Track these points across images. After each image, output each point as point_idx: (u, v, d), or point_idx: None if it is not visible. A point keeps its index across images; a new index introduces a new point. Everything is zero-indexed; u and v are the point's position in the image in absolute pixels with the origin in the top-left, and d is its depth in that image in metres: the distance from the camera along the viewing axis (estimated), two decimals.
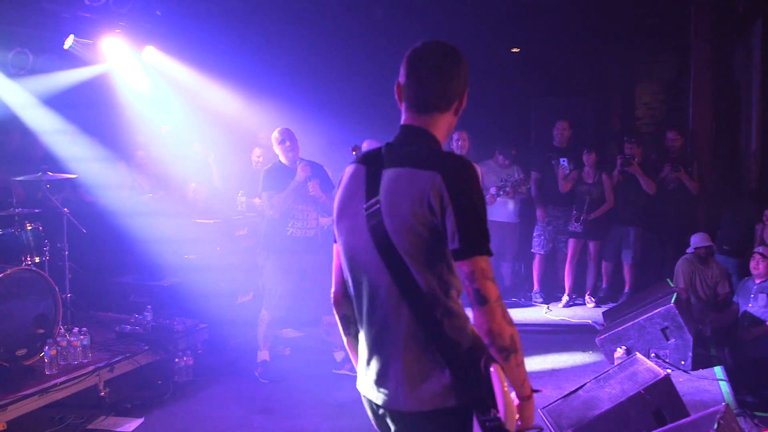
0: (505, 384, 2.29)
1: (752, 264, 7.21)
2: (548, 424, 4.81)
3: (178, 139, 9.33)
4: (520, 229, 9.45)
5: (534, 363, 6.84)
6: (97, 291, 7.60)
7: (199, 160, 8.98)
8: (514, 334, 2.26)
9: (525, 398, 2.37)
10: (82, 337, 5.92)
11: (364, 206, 2.40)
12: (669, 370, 5.83)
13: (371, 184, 2.41)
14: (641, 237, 9.02)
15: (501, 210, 9.16)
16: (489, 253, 2.26)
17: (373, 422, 2.61)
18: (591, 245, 9.05)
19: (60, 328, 6.01)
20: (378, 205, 2.35)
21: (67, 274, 6.74)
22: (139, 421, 5.56)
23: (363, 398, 2.61)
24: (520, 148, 9.57)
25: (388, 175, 2.38)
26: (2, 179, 7.16)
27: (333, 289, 2.70)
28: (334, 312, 2.73)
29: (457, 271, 2.32)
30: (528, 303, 9.40)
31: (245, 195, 8.18)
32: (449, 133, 2.54)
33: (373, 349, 2.47)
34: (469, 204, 2.26)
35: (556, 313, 8.88)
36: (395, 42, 10.37)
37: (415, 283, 2.31)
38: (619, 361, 6.10)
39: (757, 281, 7.14)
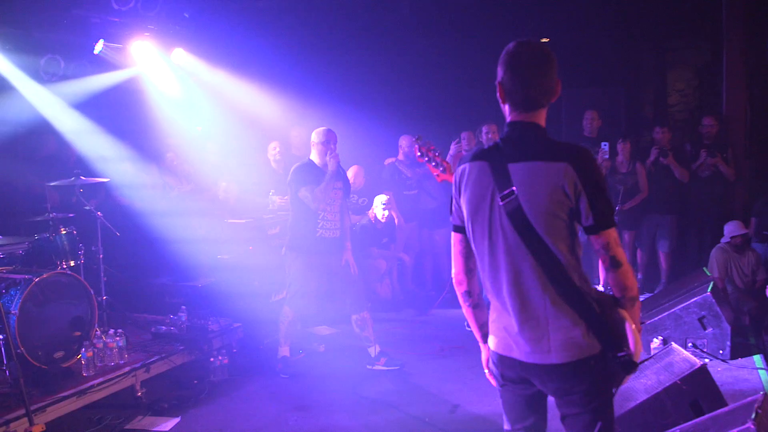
0: (633, 325, 2.77)
1: None
2: None
3: (207, 140, 9.39)
4: None
5: None
6: (132, 293, 7.68)
7: (215, 159, 9.03)
8: (636, 285, 2.81)
9: (638, 331, 2.81)
10: (118, 338, 5.99)
11: (500, 197, 2.77)
12: (706, 360, 5.76)
13: (500, 178, 2.77)
14: (677, 225, 8.92)
15: None
16: (615, 225, 2.74)
17: (504, 383, 3.01)
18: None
19: (96, 330, 6.08)
20: (514, 195, 2.73)
21: (102, 277, 6.83)
22: (176, 420, 5.61)
23: (499, 359, 2.97)
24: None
25: (519, 168, 2.75)
26: (36, 185, 7.25)
27: (454, 271, 3.11)
28: (457, 289, 3.14)
29: (591, 242, 2.76)
30: None
31: (276, 194, 8.21)
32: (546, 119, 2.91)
33: (520, 317, 2.82)
34: (598, 186, 2.70)
35: None
36: (423, 36, 10.44)
37: (555, 258, 2.73)
38: (656, 351, 6.03)
39: None
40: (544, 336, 2.78)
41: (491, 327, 3.02)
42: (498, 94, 2.89)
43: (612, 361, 2.77)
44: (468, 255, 3.04)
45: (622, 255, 2.74)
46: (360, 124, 9.21)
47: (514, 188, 2.73)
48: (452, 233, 3.07)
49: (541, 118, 2.85)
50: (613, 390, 2.88)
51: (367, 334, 6.60)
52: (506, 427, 3.13)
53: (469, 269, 3.07)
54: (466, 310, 3.15)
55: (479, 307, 3.11)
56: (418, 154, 4.43)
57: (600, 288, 8.88)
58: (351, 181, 8.64)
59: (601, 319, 2.77)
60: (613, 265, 2.73)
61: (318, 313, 6.74)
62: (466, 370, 6.55)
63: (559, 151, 2.74)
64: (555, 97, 2.86)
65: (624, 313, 2.79)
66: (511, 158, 2.77)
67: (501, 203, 2.76)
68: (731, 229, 7.65)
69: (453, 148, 8.72)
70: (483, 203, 2.84)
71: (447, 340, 7.46)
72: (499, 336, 2.95)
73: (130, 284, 7.76)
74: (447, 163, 4.40)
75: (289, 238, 6.58)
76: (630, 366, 2.76)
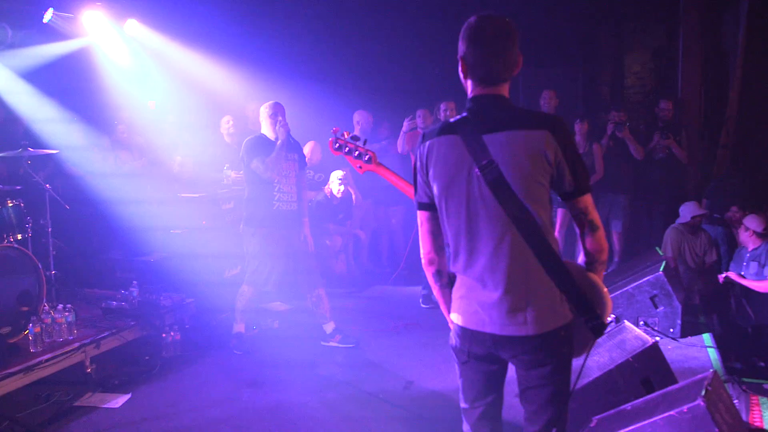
0: (605, 289, 2.88)
1: (743, 237, 7.24)
2: None
3: (161, 113, 9.22)
4: None
5: None
6: (82, 267, 7.53)
7: (171, 132, 8.88)
8: (607, 248, 2.92)
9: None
10: (66, 313, 5.85)
11: (477, 168, 2.75)
12: (658, 338, 5.83)
13: (476, 149, 2.76)
14: (630, 205, 9.00)
15: None
16: (591, 191, 2.83)
17: (468, 359, 3.01)
18: None
19: (44, 306, 5.94)
20: (493, 165, 2.72)
21: (51, 251, 6.66)
22: (127, 396, 5.52)
23: (467, 335, 2.94)
24: None
25: (496, 138, 2.74)
26: None
27: (424, 251, 3.06)
28: (427, 270, 3.09)
29: (570, 207, 2.84)
30: None
31: (231, 169, 8.11)
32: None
33: (499, 288, 2.80)
34: (576, 153, 2.79)
35: None
36: (381, 11, 10.35)
37: (536, 224, 2.74)
38: (608, 329, 6.08)
39: (750, 249, 7.15)
40: (522, 307, 2.78)
41: (457, 303, 2.98)
42: (460, 69, 2.87)
43: (582, 326, 2.84)
44: (437, 233, 3.01)
45: (599, 218, 2.85)
46: (317, 98, 9.14)
47: (492, 158, 2.73)
48: (418, 212, 3.03)
49: (505, 90, 2.85)
50: (585, 356, 2.92)
51: (322, 311, 6.56)
52: (463, 405, 3.13)
53: (439, 247, 3.04)
54: (437, 291, 3.13)
55: (450, 286, 3.06)
56: (336, 146, 4.13)
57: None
58: (308, 156, 8.55)
59: (576, 286, 2.80)
60: (591, 228, 2.82)
61: (274, 290, 6.66)
62: (420, 346, 6.56)
63: (538, 119, 2.78)
64: (517, 70, 2.86)
65: (595, 277, 2.88)
66: (484, 129, 2.77)
67: (479, 173, 2.75)
68: (691, 209, 7.73)
69: (406, 124, 8.66)
70: (458, 176, 2.81)
71: (402, 317, 7.45)
72: (470, 311, 2.91)
73: (80, 258, 7.61)
74: (372, 152, 4.09)
75: (246, 213, 6.48)
76: (600, 329, 2.84)
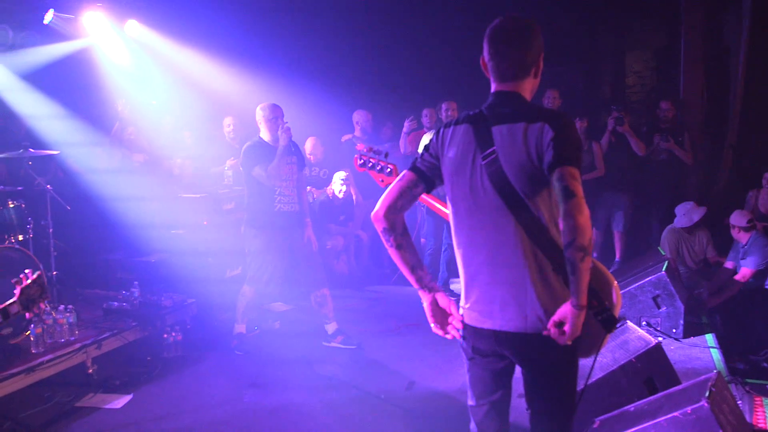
0: (615, 282, 2.81)
1: (735, 235, 7.26)
2: None
3: (160, 113, 9.20)
4: None
5: None
6: (83, 268, 7.52)
7: (170, 133, 8.87)
8: (592, 237, 2.60)
9: (580, 307, 2.63)
10: (68, 314, 5.85)
11: (481, 157, 2.79)
12: (660, 339, 5.81)
13: (482, 138, 2.81)
14: (631, 205, 8.98)
15: None
16: (578, 167, 2.64)
17: (473, 356, 3.00)
18: None
19: (46, 306, 5.92)
20: (494, 155, 2.75)
21: (52, 252, 6.66)
22: (128, 397, 5.51)
23: (471, 331, 2.95)
24: None
25: (501, 129, 2.77)
26: None
27: (378, 205, 3.02)
28: (376, 227, 3.04)
29: (551, 182, 2.67)
30: None
31: (231, 168, 8.09)
32: (534, 92, 2.92)
33: (498, 283, 2.82)
34: (567, 134, 2.66)
35: None
36: (382, 12, 10.33)
37: (536, 218, 2.72)
38: (619, 325, 6.08)
39: (743, 244, 7.17)
40: (523, 302, 2.77)
41: (462, 297, 3.00)
42: (482, 68, 2.94)
43: (592, 322, 2.76)
44: (404, 194, 3.01)
45: (578, 188, 2.61)
46: (316, 98, 9.13)
47: (495, 148, 2.76)
48: (406, 170, 3.07)
49: (524, 89, 2.86)
50: (594, 355, 2.85)
51: (325, 311, 6.56)
52: (470, 402, 3.12)
53: (396, 208, 3.01)
54: (391, 252, 3.07)
55: (403, 248, 3.02)
56: (360, 163, 4.11)
57: None
58: (309, 152, 8.55)
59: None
60: (565, 195, 2.60)
61: (276, 290, 6.66)
62: (422, 347, 6.54)
63: (540, 113, 2.75)
64: (537, 69, 2.88)
65: (603, 268, 2.83)
66: (494, 121, 2.80)
67: (482, 162, 2.79)
68: (689, 210, 7.69)
69: (407, 125, 8.65)
70: (465, 163, 2.86)
71: (403, 318, 7.44)
72: (472, 307, 2.93)
73: (81, 259, 7.60)
74: (392, 165, 4.08)
75: (248, 215, 6.46)
76: (610, 323, 2.77)
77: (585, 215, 2.57)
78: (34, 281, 3.64)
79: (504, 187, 2.74)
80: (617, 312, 2.81)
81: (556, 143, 2.63)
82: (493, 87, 2.91)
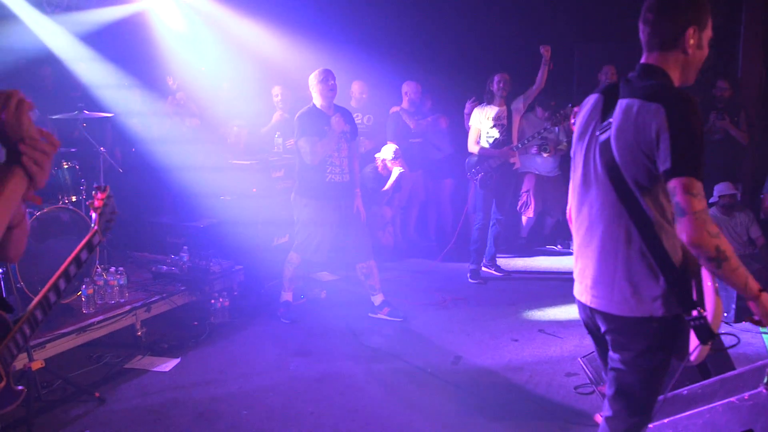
0: (713, 283, 2.57)
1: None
2: (588, 372, 4.74)
3: (215, 80, 9.21)
4: (563, 182, 9.26)
5: (572, 311, 6.71)
6: (133, 231, 7.57)
7: (226, 100, 8.86)
8: (720, 245, 2.43)
9: (753, 298, 2.54)
10: (119, 276, 5.92)
11: (599, 128, 2.76)
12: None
13: (606, 110, 2.75)
14: None
15: (542, 164, 9.02)
16: (698, 176, 2.45)
17: (584, 323, 3.03)
18: None
19: (97, 267, 6.01)
20: (609, 127, 2.68)
21: None
22: (176, 361, 5.58)
23: (578, 303, 2.98)
24: (562, 93, 9.32)
25: (621, 104, 2.67)
26: (38, 117, 7.09)
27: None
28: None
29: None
30: (567, 251, 9.26)
31: (282, 136, 8.07)
32: (687, 71, 2.76)
33: (593, 259, 2.82)
34: (685, 130, 2.48)
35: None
36: None
37: (636, 201, 2.64)
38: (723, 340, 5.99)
39: None
40: (609, 284, 2.75)
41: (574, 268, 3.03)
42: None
43: (685, 324, 2.63)
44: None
45: (692, 203, 2.42)
46: (367, 66, 9.04)
47: (611, 120, 2.69)
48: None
49: (667, 63, 2.72)
50: (683, 363, 2.71)
51: (372, 282, 6.55)
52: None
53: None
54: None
55: None
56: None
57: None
58: (356, 95, 8.48)
59: (678, 274, 2.65)
60: (677, 211, 2.45)
61: (323, 260, 6.66)
62: (468, 322, 6.51)
63: (663, 93, 2.58)
64: (683, 42, 2.68)
65: (707, 274, 2.61)
66: (622, 94, 2.71)
67: (598, 133, 2.76)
68: (720, 188, 7.51)
69: (468, 106, 8.53)
70: (586, 132, 2.86)
71: (449, 292, 7.41)
72: (576, 278, 2.97)
73: (132, 222, 7.63)
74: None
75: (298, 183, 6.45)
76: (704, 333, 2.58)
77: (697, 230, 2.41)
78: (106, 200, 3.34)
79: (609, 161, 2.68)
80: (715, 324, 2.57)
81: (671, 142, 2.47)
82: (642, 58, 2.81)
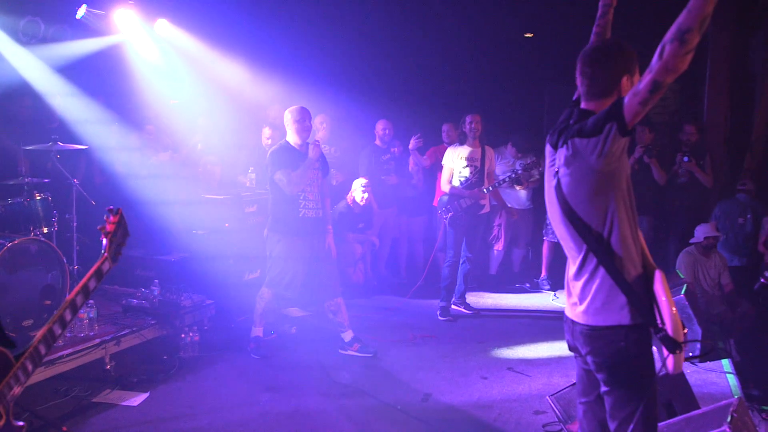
0: (667, 297, 2.81)
1: None
2: (557, 411, 4.79)
3: (187, 114, 9.24)
4: (534, 215, 9.40)
5: (541, 350, 6.81)
6: None
7: (204, 134, 8.89)
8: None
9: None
10: (89, 309, 5.87)
11: (552, 166, 3.05)
12: None
13: (552, 154, 3.07)
14: (652, 228, 8.95)
15: (514, 197, 9.17)
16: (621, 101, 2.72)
17: (570, 341, 3.21)
18: None
19: None
20: (557, 169, 2.99)
21: (75, 246, 6.68)
22: (145, 395, 5.54)
23: (564, 323, 3.23)
24: (533, 133, 9.49)
25: (564, 149, 2.93)
26: (12, 148, 7.09)
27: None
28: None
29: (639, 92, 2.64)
30: (535, 289, 9.37)
31: (255, 172, 8.11)
32: None
33: (572, 279, 3.09)
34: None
35: (563, 300, 8.79)
36: (412, 23, 10.37)
37: (591, 231, 2.92)
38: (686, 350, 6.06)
39: None
40: (585, 293, 3.00)
41: None
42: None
43: (653, 336, 2.87)
44: None
45: (660, 57, 2.56)
46: (341, 105, 9.17)
47: (558, 161, 3.00)
48: None
49: (604, 106, 2.90)
50: (660, 371, 2.89)
51: (340, 319, 6.57)
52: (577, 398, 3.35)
53: None
54: None
55: None
56: None
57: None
58: (318, 129, 8.54)
59: (636, 292, 2.88)
60: (659, 55, 2.56)
61: (294, 296, 6.68)
62: (438, 358, 6.54)
63: (599, 120, 2.81)
64: (611, 90, 2.97)
65: (660, 288, 2.87)
66: (565, 138, 2.95)
67: (554, 172, 3.04)
68: (705, 230, 7.68)
69: (413, 142, 8.70)
70: (547, 175, 3.14)
71: (419, 329, 7.45)
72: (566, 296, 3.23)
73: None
74: None
75: (272, 219, 6.48)
76: (669, 343, 2.79)
77: (688, 21, 2.53)
78: (118, 224, 3.28)
79: (561, 200, 2.98)
80: (677, 335, 2.79)
81: (606, 113, 2.76)
82: (581, 104, 3.08)
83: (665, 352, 2.81)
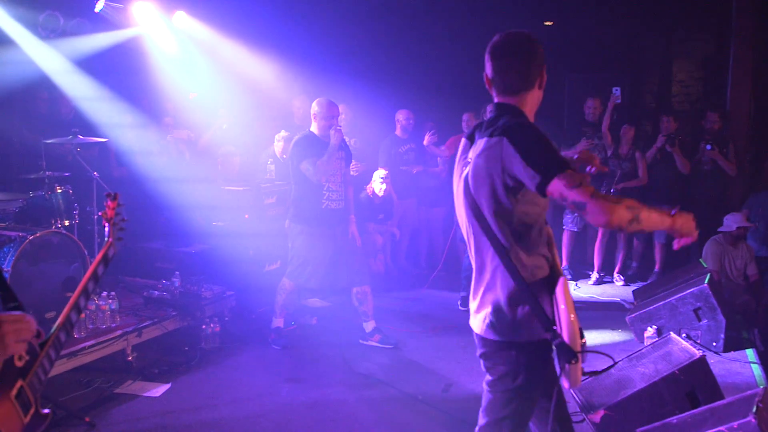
0: (567, 305, 2.66)
1: None
2: (578, 401, 4.75)
3: (207, 106, 9.25)
4: (553, 204, 9.32)
5: None
6: (125, 256, 7.56)
7: (224, 126, 8.90)
8: (627, 205, 2.53)
9: (670, 226, 2.81)
10: (110, 301, 5.92)
11: (462, 166, 2.96)
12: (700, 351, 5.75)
13: (465, 152, 2.98)
14: None
15: None
16: (567, 168, 2.56)
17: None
18: None
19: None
20: (467, 169, 2.88)
21: (96, 238, 6.73)
22: (167, 386, 5.56)
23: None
24: (552, 122, 9.43)
25: (476, 144, 2.86)
26: (33, 142, 7.14)
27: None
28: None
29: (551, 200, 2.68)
30: None
31: (274, 162, 8.11)
32: (538, 105, 3.00)
33: (473, 289, 2.98)
34: (527, 141, 2.67)
35: (585, 290, 8.79)
36: (431, 13, 10.32)
37: (492, 231, 2.80)
38: (650, 340, 6.03)
39: None
40: (482, 305, 2.91)
41: None
42: (486, 85, 3.01)
43: (549, 347, 2.77)
44: None
45: (581, 193, 2.51)
46: (361, 96, 9.12)
47: (468, 160, 2.91)
48: None
49: (523, 102, 2.91)
50: (560, 380, 2.74)
51: (365, 308, 6.56)
52: None
53: None
54: None
55: None
56: None
57: (595, 274, 8.95)
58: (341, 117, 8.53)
59: (534, 298, 2.76)
60: (577, 208, 2.53)
61: (315, 287, 6.68)
62: (458, 349, 6.52)
63: (504, 126, 2.76)
64: (533, 82, 2.91)
65: (558, 294, 2.74)
66: (479, 135, 2.90)
67: (462, 172, 2.95)
68: (737, 219, 7.58)
69: (427, 138, 8.64)
70: (456, 175, 3.04)
71: (439, 319, 7.44)
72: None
73: (124, 247, 7.62)
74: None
75: (294, 210, 6.47)
76: (564, 351, 2.65)
77: (608, 213, 2.49)
78: (118, 208, 3.22)
79: (469, 200, 2.87)
80: (573, 343, 2.64)
81: (525, 157, 2.63)
82: (495, 99, 2.98)
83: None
